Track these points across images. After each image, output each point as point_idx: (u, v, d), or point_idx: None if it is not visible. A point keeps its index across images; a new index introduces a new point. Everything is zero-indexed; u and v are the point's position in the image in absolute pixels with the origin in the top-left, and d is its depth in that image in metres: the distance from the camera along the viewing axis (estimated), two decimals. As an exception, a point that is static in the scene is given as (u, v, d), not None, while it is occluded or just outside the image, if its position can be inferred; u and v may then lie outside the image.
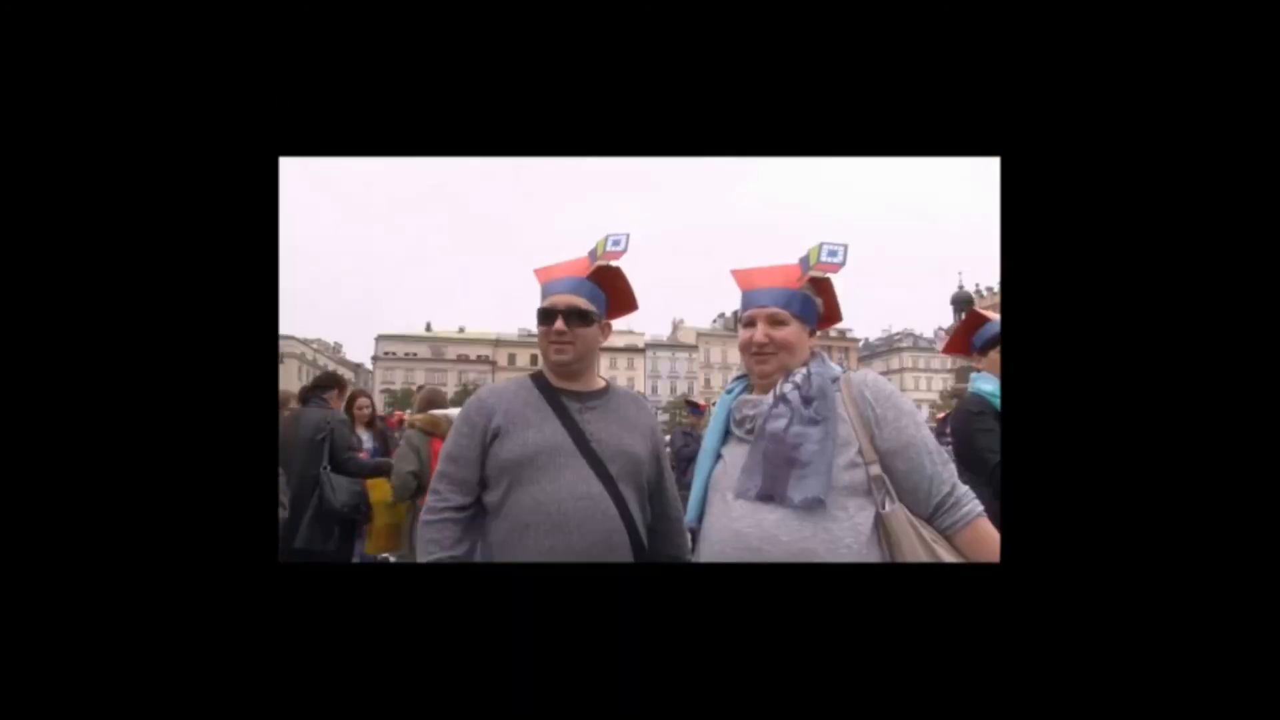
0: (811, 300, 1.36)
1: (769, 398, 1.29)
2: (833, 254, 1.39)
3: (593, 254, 1.57)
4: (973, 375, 2.18)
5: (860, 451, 1.20)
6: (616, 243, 1.56)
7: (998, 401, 1.94)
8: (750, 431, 1.30)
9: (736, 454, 1.29)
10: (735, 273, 1.45)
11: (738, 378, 1.47)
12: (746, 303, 1.38)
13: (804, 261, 1.38)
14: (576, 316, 1.53)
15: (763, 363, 1.32)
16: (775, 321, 1.34)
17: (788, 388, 1.29)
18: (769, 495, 1.20)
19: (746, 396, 1.36)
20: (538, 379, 1.59)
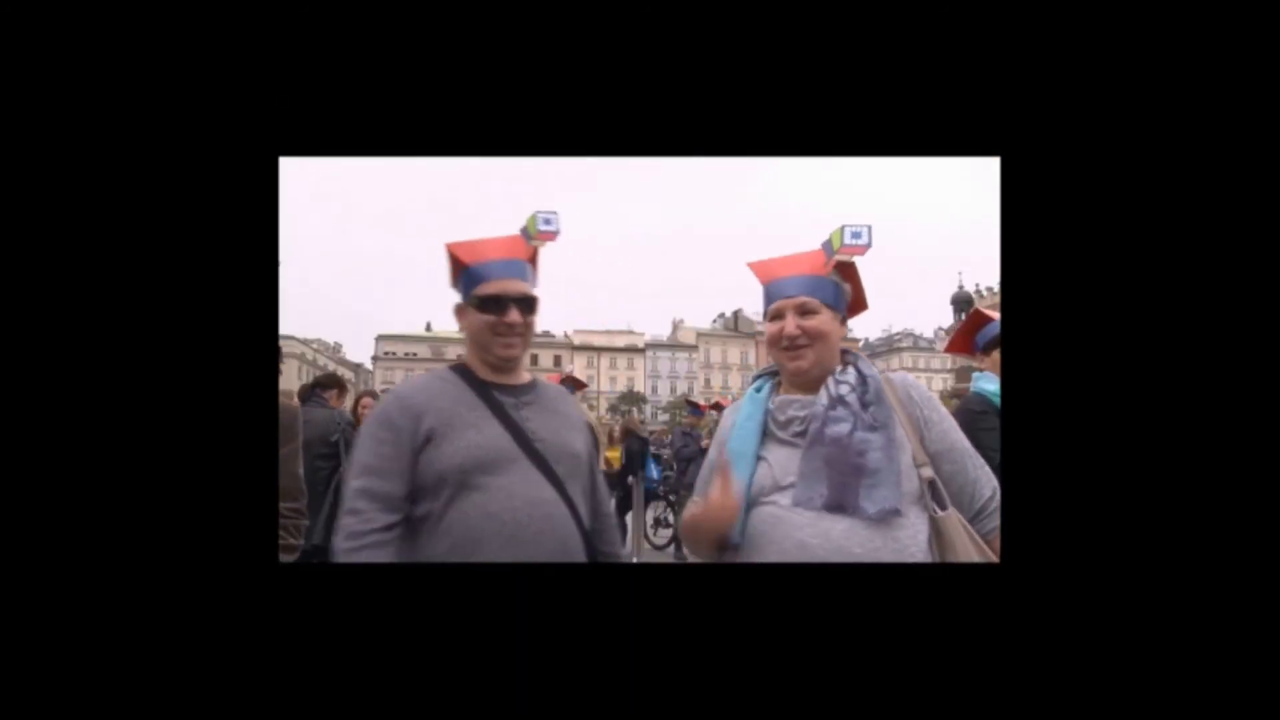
0: (840, 286, 1.27)
1: (820, 398, 1.21)
2: (857, 235, 1.30)
3: (525, 232, 1.43)
4: (975, 375, 2.18)
5: (913, 455, 1.15)
6: (548, 221, 1.42)
7: (999, 401, 1.94)
8: (799, 434, 1.20)
9: (781, 457, 1.20)
10: (754, 265, 1.34)
11: (762, 375, 1.37)
12: (771, 295, 1.28)
13: (827, 246, 1.28)
14: (528, 305, 1.37)
15: (797, 357, 1.22)
16: (805, 311, 1.23)
17: (844, 389, 1.21)
18: (837, 505, 1.12)
19: (790, 396, 1.26)
20: (462, 372, 1.40)
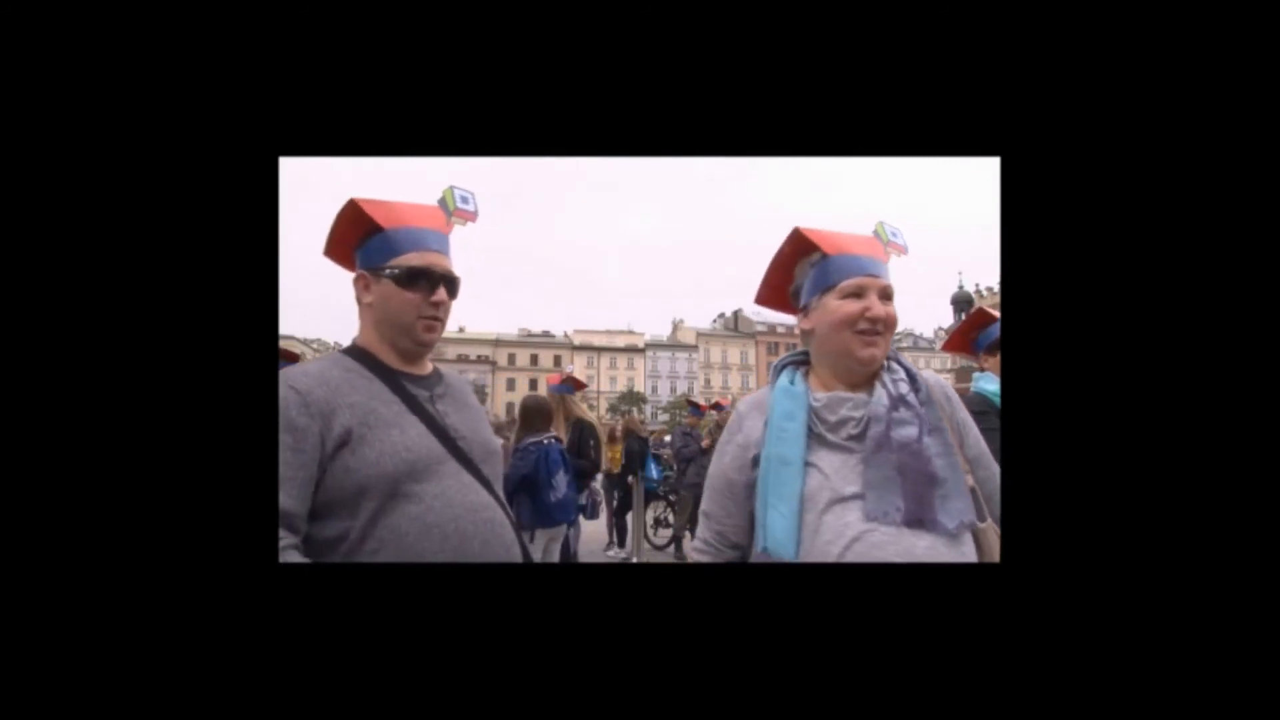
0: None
1: (877, 397, 1.08)
2: (895, 234, 1.24)
3: (444, 205, 1.27)
4: (975, 375, 2.18)
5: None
6: (465, 200, 1.26)
7: (1000, 401, 1.95)
8: (853, 438, 1.07)
9: (837, 464, 1.06)
10: (811, 233, 1.17)
11: (787, 364, 1.20)
12: (845, 269, 1.12)
13: (879, 237, 1.21)
14: (452, 287, 1.19)
15: (872, 344, 1.08)
16: (886, 296, 1.11)
17: (903, 388, 1.09)
18: (916, 519, 1.01)
19: (841, 394, 1.10)
20: (363, 358, 1.17)
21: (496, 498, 1.17)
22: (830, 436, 1.08)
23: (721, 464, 1.19)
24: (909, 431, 1.04)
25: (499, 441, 1.28)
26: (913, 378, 1.11)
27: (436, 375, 1.25)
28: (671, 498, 7.53)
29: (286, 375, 1.11)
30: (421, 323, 1.16)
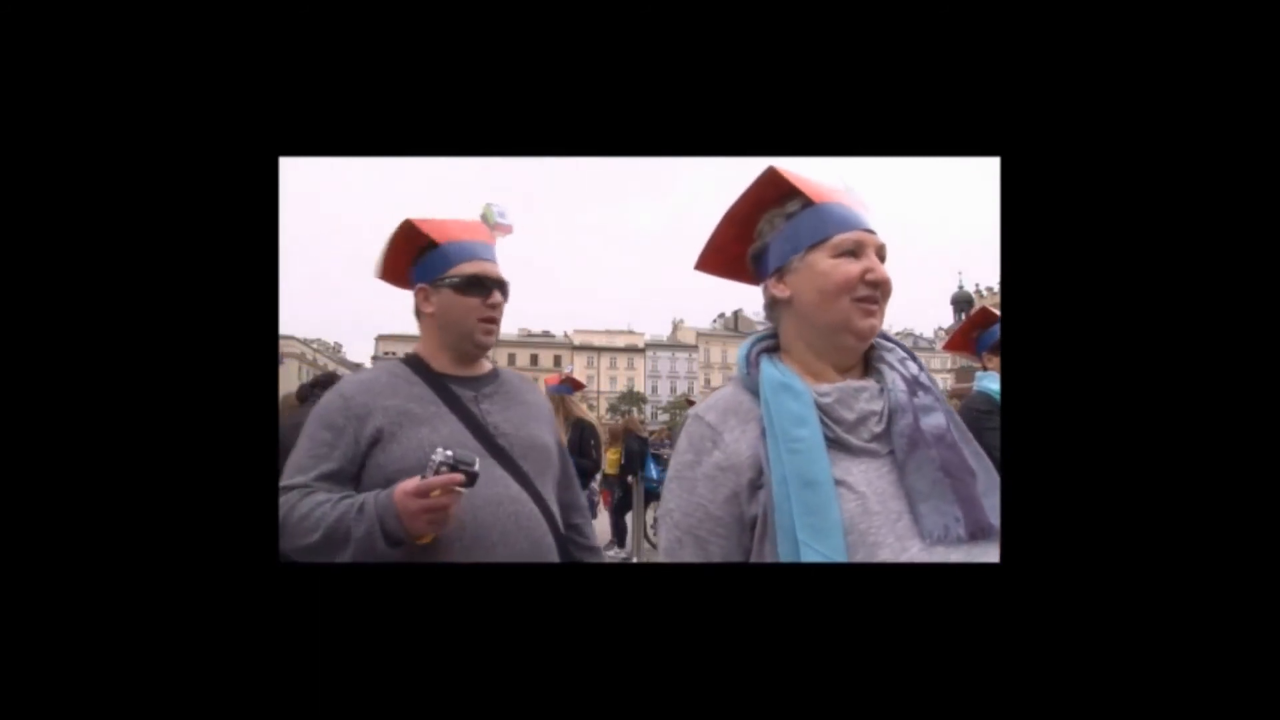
0: None
1: (890, 381, 0.88)
2: (502, 215, 1.27)
3: (485, 219, 1.37)
4: (978, 374, 2.19)
5: None
6: (502, 214, 1.35)
7: None
8: (876, 437, 0.85)
9: (872, 477, 0.83)
10: (792, 176, 0.96)
11: (758, 351, 0.94)
12: (838, 220, 0.91)
13: (851, 192, 1.03)
14: (505, 290, 1.28)
15: (872, 314, 0.88)
16: (883, 258, 0.92)
17: (911, 367, 0.90)
18: (979, 527, 0.83)
19: (852, 383, 0.88)
20: (414, 364, 1.29)
21: (532, 491, 1.20)
22: (850, 439, 0.84)
23: (694, 498, 0.89)
24: (938, 420, 0.86)
25: (551, 438, 1.30)
26: (909, 352, 0.93)
27: (491, 375, 1.33)
28: (671, 497, 7.51)
29: (340, 381, 1.27)
30: (480, 326, 1.26)
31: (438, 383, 1.25)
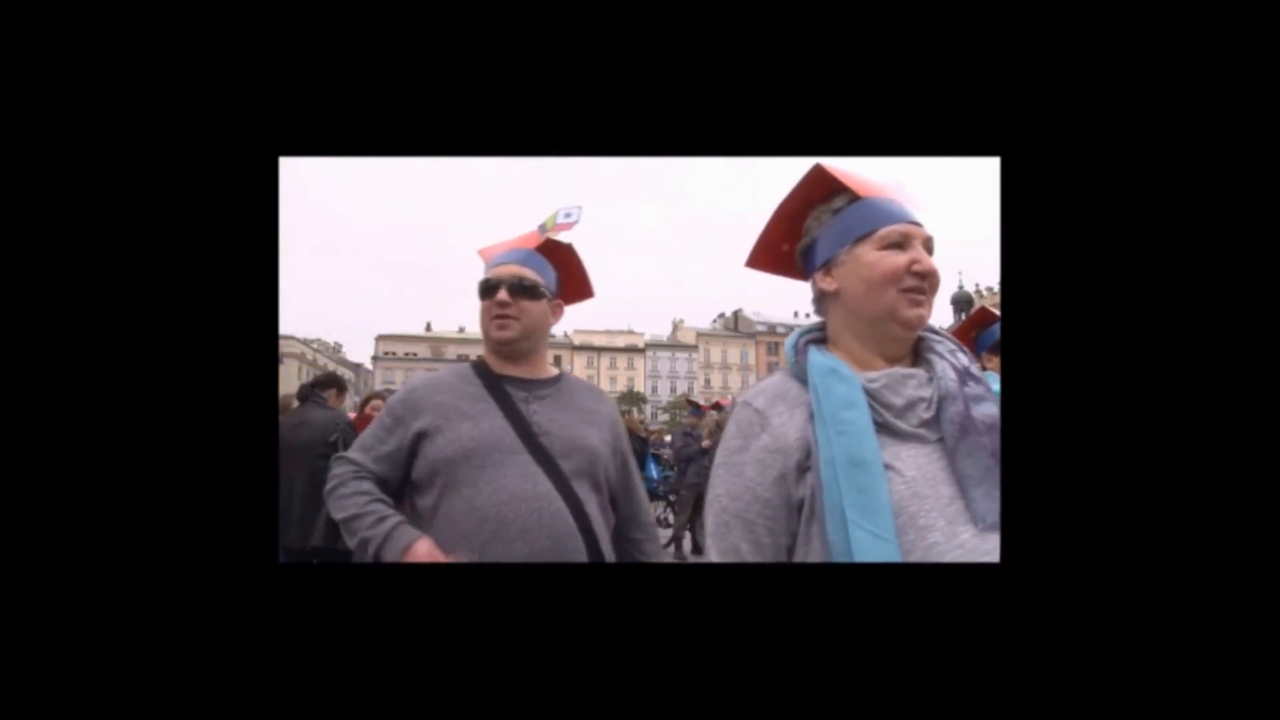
0: None
1: (940, 370, 0.91)
2: (569, 215, 1.39)
3: (542, 227, 1.44)
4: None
5: None
6: (568, 215, 1.42)
7: None
8: (924, 424, 0.87)
9: (922, 462, 0.85)
10: (839, 172, 0.98)
11: (805, 341, 0.97)
12: (884, 214, 0.94)
13: (901, 187, 1.08)
14: (521, 289, 1.35)
15: (920, 305, 0.90)
16: (930, 250, 0.95)
17: (962, 358, 0.93)
18: None
19: (901, 370, 0.90)
20: (478, 366, 1.39)
21: (564, 490, 1.24)
22: (899, 424, 0.86)
23: (741, 480, 0.91)
24: (990, 409, 0.88)
25: (603, 445, 1.33)
26: (959, 345, 0.95)
27: (553, 379, 1.40)
28: (671, 498, 7.53)
29: (413, 375, 1.46)
30: (493, 323, 1.34)
31: (494, 382, 1.34)
